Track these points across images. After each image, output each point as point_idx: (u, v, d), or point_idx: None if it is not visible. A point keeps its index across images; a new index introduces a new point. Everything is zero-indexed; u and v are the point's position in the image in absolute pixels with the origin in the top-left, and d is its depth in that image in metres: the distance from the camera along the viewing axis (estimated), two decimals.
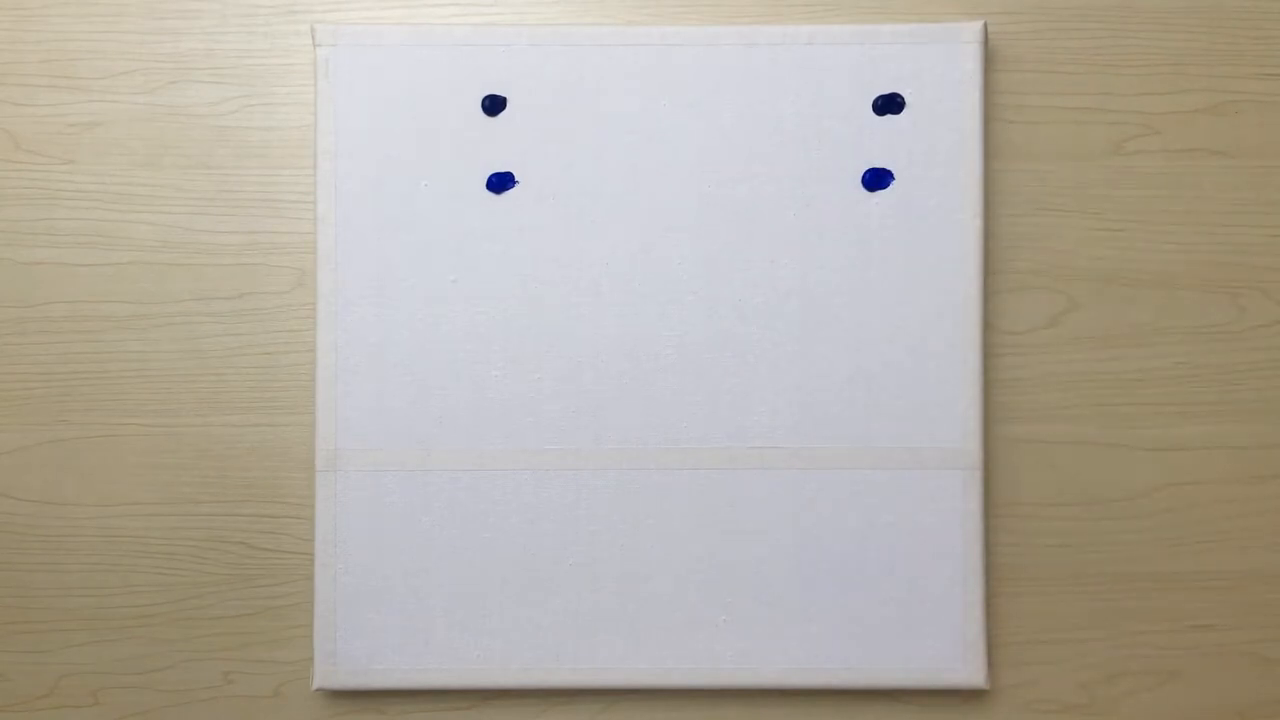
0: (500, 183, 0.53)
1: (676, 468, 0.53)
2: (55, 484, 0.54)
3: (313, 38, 0.53)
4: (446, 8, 0.55)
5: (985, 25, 0.53)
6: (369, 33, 0.53)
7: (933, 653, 0.53)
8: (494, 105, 0.53)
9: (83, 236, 0.54)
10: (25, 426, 0.54)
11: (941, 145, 0.53)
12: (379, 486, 0.53)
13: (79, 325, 0.54)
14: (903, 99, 0.53)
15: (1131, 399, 0.54)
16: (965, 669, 0.52)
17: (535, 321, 0.53)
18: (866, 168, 0.53)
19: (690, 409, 0.53)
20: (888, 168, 0.53)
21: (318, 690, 0.53)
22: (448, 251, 0.53)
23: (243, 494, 0.54)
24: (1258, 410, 0.54)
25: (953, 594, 0.52)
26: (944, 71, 0.52)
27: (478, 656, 0.53)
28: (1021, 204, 0.54)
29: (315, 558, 0.53)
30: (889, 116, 0.53)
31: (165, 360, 0.54)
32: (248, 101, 0.54)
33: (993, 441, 0.54)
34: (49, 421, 0.54)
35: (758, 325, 0.53)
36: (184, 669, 0.54)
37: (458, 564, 0.53)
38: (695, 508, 0.53)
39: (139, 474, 0.54)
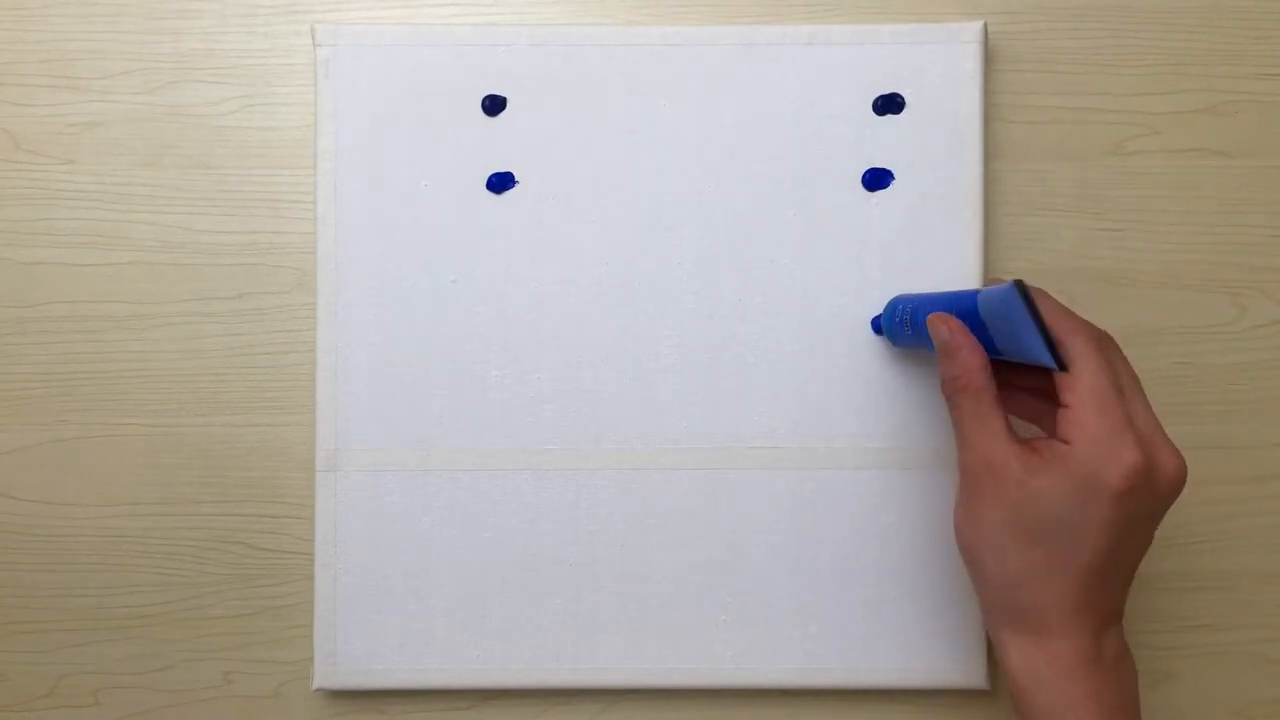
0: (500, 183, 0.53)
1: (676, 468, 0.53)
2: (55, 484, 0.54)
3: (313, 38, 0.53)
4: (446, 8, 0.55)
5: (985, 25, 0.53)
6: (369, 33, 0.53)
7: (933, 653, 0.52)
8: (494, 105, 0.53)
9: (83, 236, 0.54)
10: (25, 426, 0.54)
11: (941, 145, 0.53)
12: (379, 486, 0.53)
13: (79, 325, 0.54)
14: (903, 99, 0.53)
15: None
16: (965, 669, 0.52)
17: (535, 322, 0.53)
18: (866, 168, 0.53)
19: (690, 409, 0.53)
20: (888, 168, 0.53)
21: (318, 690, 0.53)
22: (448, 251, 0.53)
23: (243, 494, 0.54)
24: (1258, 410, 0.54)
25: (953, 594, 0.52)
26: (944, 71, 0.52)
27: (478, 656, 0.53)
28: (1021, 204, 0.54)
29: (315, 558, 0.53)
30: (889, 116, 0.53)
31: (165, 360, 0.54)
32: (248, 101, 0.54)
33: None
34: (49, 421, 0.54)
35: (758, 325, 0.53)
36: (184, 669, 0.54)
37: (458, 564, 0.53)
38: (695, 508, 0.53)
39: (139, 474, 0.54)
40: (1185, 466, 0.44)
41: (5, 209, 0.54)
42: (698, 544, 0.53)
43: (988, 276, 0.53)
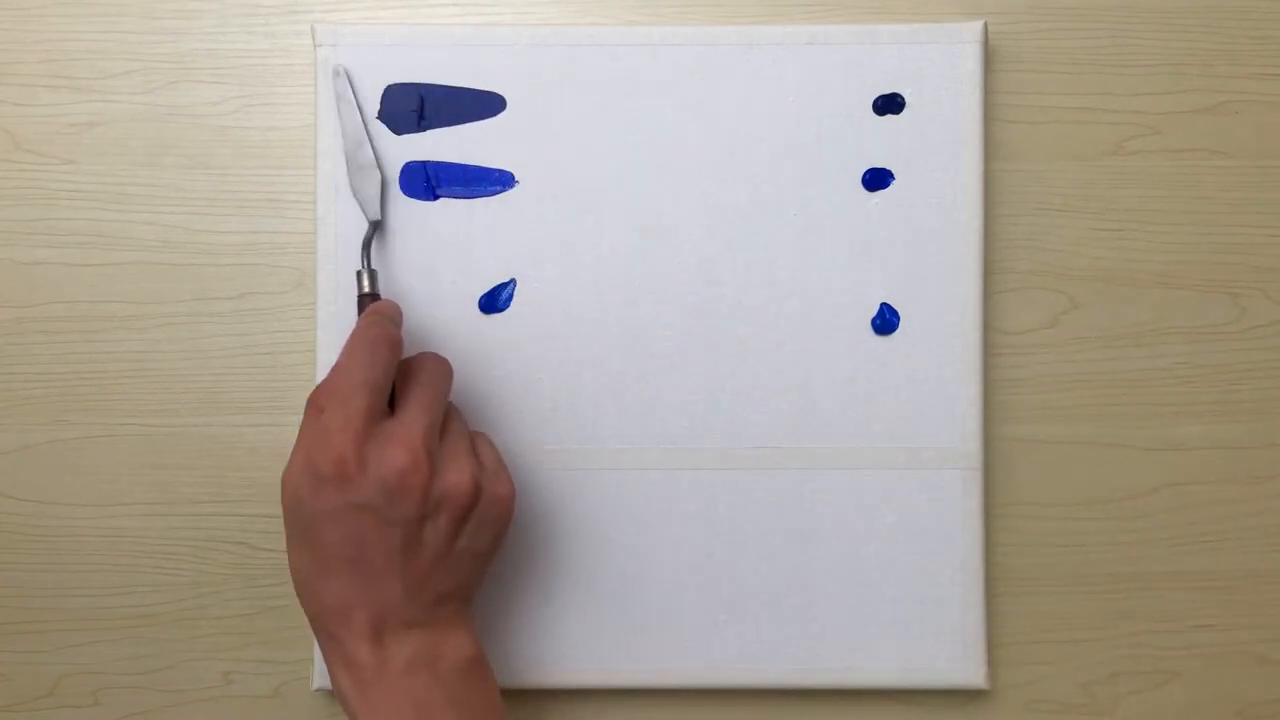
0: (500, 183, 0.53)
1: (676, 468, 0.53)
2: (55, 484, 0.54)
3: (313, 38, 0.53)
4: (446, 8, 0.55)
5: (985, 25, 0.53)
6: (369, 33, 0.53)
7: (933, 653, 0.52)
8: (494, 105, 0.53)
9: (83, 236, 0.54)
10: (25, 426, 0.54)
11: (941, 145, 0.53)
12: None
13: (79, 325, 0.54)
14: (903, 99, 0.53)
15: (1131, 399, 0.54)
16: (965, 669, 0.52)
17: (534, 322, 0.53)
18: (866, 168, 0.53)
19: (690, 409, 0.53)
20: (888, 168, 0.53)
21: (318, 690, 0.53)
22: (447, 252, 0.53)
23: (243, 494, 0.54)
24: (1258, 410, 0.54)
25: (953, 594, 0.52)
26: (944, 71, 0.53)
27: None
28: (1021, 204, 0.54)
29: None
30: (889, 116, 0.53)
31: (165, 360, 0.54)
32: (248, 101, 0.54)
33: (993, 441, 0.54)
34: (49, 421, 0.54)
35: (758, 325, 0.53)
36: (184, 669, 0.54)
37: None
38: (694, 508, 0.53)
39: (139, 474, 0.54)
40: (414, 470, 0.44)
41: (5, 209, 0.54)
42: (697, 544, 0.53)
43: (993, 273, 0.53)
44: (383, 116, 0.53)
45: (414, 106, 0.53)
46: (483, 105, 0.53)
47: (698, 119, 0.53)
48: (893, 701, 0.54)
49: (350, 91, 0.51)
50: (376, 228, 0.52)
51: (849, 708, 0.54)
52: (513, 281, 0.53)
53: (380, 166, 0.52)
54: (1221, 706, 0.54)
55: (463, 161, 0.53)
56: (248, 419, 0.54)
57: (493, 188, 0.53)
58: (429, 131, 0.53)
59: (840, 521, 0.53)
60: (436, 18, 0.55)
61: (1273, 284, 0.54)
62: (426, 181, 0.53)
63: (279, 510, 0.54)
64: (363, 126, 0.52)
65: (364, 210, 0.52)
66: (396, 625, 0.45)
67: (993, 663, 0.53)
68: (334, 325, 0.53)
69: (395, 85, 0.53)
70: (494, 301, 0.53)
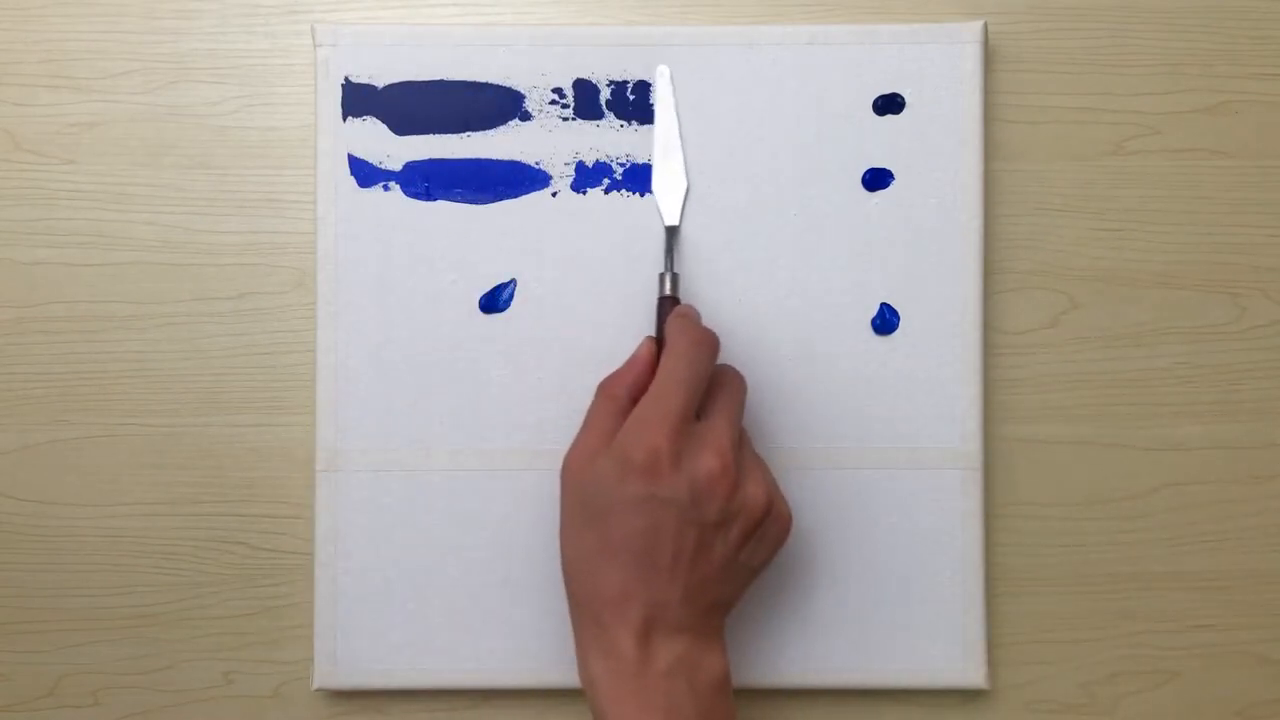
0: None
1: None
2: (55, 484, 0.54)
3: (313, 38, 0.53)
4: (446, 8, 0.55)
5: (985, 25, 0.53)
6: (369, 33, 0.53)
7: (933, 653, 0.52)
8: (497, 105, 0.53)
9: (83, 236, 0.54)
10: (25, 426, 0.54)
11: (941, 145, 0.53)
12: (379, 486, 0.53)
13: (79, 325, 0.54)
14: (903, 99, 0.53)
15: (1131, 399, 0.54)
16: (965, 669, 0.52)
17: (535, 321, 0.53)
18: (866, 168, 0.53)
19: None
20: (888, 168, 0.53)
21: (318, 690, 0.53)
22: (448, 251, 0.53)
23: (243, 494, 0.54)
24: (1258, 410, 0.54)
25: (953, 594, 0.52)
26: (944, 71, 0.53)
27: (478, 656, 0.53)
28: (1021, 204, 0.54)
29: (315, 558, 0.53)
30: (889, 116, 0.53)
31: (165, 360, 0.54)
32: (248, 101, 0.54)
33: (993, 441, 0.54)
34: (49, 421, 0.54)
35: (758, 325, 0.53)
36: (184, 669, 0.54)
37: (458, 564, 0.53)
38: None
39: (139, 474, 0.54)
40: (723, 475, 0.45)
41: (5, 209, 0.54)
42: None
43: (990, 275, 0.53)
44: (383, 116, 0.53)
45: (414, 106, 0.53)
46: (484, 106, 0.53)
47: (698, 119, 0.53)
48: (893, 701, 0.54)
49: (670, 94, 0.51)
50: (675, 233, 0.52)
51: (849, 708, 0.54)
52: (513, 281, 0.53)
53: (686, 174, 0.51)
54: (1221, 706, 0.54)
55: (462, 159, 0.53)
56: (248, 419, 0.54)
57: (494, 188, 0.53)
58: (429, 131, 0.53)
59: (840, 521, 0.53)
60: (437, 18, 0.55)
61: (1273, 284, 0.54)
62: (426, 181, 0.53)
63: (279, 510, 0.54)
64: (677, 131, 0.51)
65: (663, 214, 0.51)
66: (667, 626, 0.45)
67: (993, 663, 0.53)
68: (334, 325, 0.53)
69: (395, 85, 0.53)
70: (494, 301, 0.53)
